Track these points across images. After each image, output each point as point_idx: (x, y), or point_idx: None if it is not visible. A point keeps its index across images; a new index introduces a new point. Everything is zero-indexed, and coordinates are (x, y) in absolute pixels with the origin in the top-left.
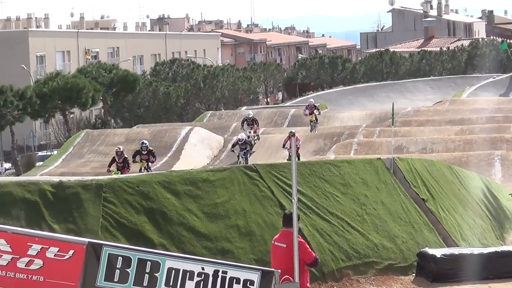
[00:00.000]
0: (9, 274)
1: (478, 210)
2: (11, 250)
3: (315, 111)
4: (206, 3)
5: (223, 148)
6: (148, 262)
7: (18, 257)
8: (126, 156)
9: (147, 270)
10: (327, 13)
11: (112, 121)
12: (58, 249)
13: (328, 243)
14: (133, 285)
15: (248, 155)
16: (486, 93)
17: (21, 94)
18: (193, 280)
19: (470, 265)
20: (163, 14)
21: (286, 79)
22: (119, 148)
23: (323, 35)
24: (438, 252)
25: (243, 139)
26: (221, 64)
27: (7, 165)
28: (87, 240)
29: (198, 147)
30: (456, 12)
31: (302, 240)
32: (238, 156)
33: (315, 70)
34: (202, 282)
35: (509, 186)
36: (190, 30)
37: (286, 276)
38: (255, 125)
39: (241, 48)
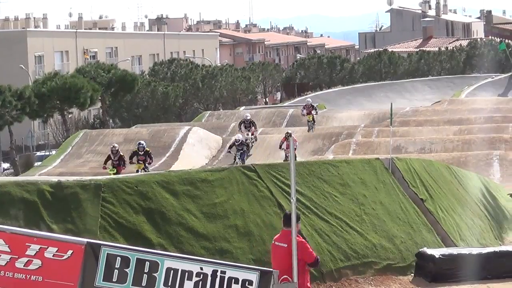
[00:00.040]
0: (7, 274)
1: (476, 210)
2: (9, 250)
3: (312, 111)
4: (204, 3)
5: (222, 148)
6: (146, 262)
7: (17, 257)
8: (121, 154)
9: (146, 270)
10: (325, 13)
11: (111, 121)
12: (56, 249)
13: (327, 243)
14: (131, 285)
15: (245, 156)
16: (484, 93)
17: (20, 94)
18: (191, 280)
19: (469, 265)
20: (162, 14)
21: (284, 79)
22: (115, 146)
23: (321, 35)
24: (436, 252)
25: (239, 140)
26: (219, 64)
27: (6, 165)
28: (85, 240)
29: (196, 147)
30: (455, 12)
31: (303, 240)
32: (234, 157)
33: (313, 70)
34: (200, 282)
35: (508, 186)
36: (188, 30)
37: (285, 276)
38: (253, 127)
39: (240, 48)
